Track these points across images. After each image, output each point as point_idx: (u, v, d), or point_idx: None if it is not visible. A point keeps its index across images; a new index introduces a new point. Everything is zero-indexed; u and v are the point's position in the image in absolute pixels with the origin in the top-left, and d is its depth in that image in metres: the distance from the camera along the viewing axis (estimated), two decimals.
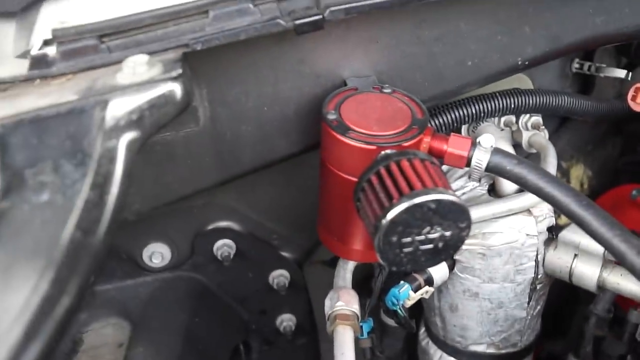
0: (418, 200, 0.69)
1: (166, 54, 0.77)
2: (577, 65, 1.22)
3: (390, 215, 0.69)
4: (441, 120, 1.03)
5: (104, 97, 0.69)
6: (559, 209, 0.79)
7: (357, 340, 1.02)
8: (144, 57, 0.73)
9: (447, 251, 0.74)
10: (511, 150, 1.06)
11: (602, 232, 0.76)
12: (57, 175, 0.65)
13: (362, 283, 1.14)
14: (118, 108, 0.68)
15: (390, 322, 1.16)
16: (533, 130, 1.13)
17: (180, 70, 0.72)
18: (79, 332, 1.07)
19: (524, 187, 0.82)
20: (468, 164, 0.83)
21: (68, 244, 0.56)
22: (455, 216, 0.71)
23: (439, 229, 0.71)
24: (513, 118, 1.12)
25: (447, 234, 0.72)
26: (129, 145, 0.65)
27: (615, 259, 0.76)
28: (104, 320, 1.08)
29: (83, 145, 0.66)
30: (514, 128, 1.13)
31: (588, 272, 1.00)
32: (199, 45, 0.77)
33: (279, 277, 1.16)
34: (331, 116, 0.83)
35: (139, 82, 0.70)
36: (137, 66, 0.72)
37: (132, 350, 1.00)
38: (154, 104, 0.69)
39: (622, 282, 0.97)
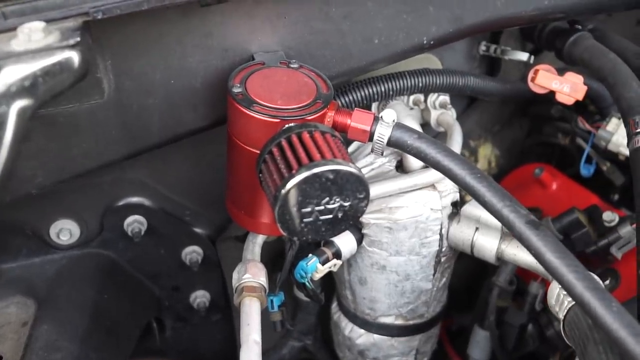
0: (316, 170, 0.71)
1: (66, 22, 0.75)
2: (483, 48, 1.27)
3: (290, 185, 0.71)
4: (351, 98, 1.06)
5: None
6: (455, 181, 0.83)
7: (268, 314, 1.03)
8: (40, 24, 0.72)
9: (346, 221, 0.76)
10: (419, 128, 1.10)
11: (494, 203, 0.80)
12: None
13: (276, 259, 1.16)
14: (10, 74, 0.66)
15: (303, 296, 1.17)
16: (441, 109, 1.16)
17: (78, 39, 0.71)
18: None
19: (423, 160, 0.84)
20: (371, 139, 0.85)
21: None
22: (354, 187, 0.73)
23: (337, 199, 0.73)
24: (422, 97, 1.16)
25: (346, 204, 0.74)
26: (20, 111, 0.64)
27: (506, 229, 0.80)
28: (7, 299, 1.05)
29: None
30: (422, 107, 1.16)
31: (487, 244, 1.04)
32: (100, 14, 0.76)
33: (192, 253, 1.16)
34: (236, 89, 0.83)
35: (34, 49, 0.69)
36: (32, 33, 0.71)
37: (37, 328, 0.98)
38: (49, 72, 0.68)
39: (519, 254, 1.02)
